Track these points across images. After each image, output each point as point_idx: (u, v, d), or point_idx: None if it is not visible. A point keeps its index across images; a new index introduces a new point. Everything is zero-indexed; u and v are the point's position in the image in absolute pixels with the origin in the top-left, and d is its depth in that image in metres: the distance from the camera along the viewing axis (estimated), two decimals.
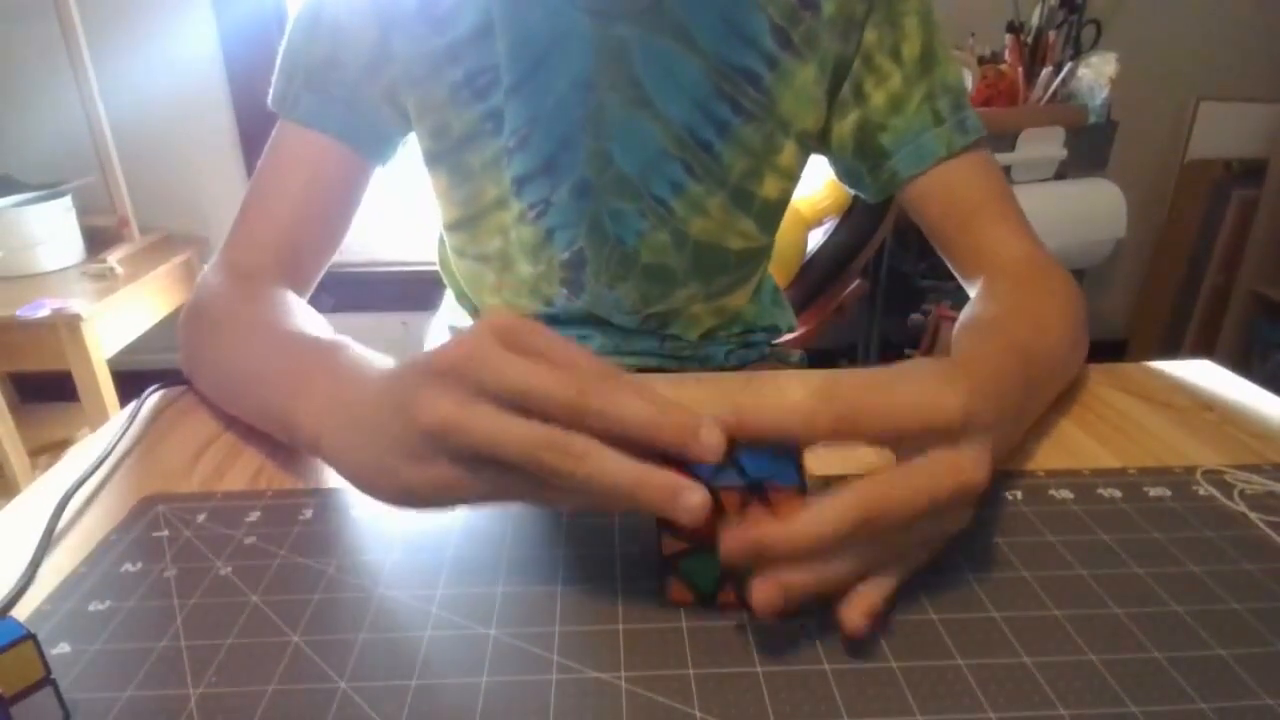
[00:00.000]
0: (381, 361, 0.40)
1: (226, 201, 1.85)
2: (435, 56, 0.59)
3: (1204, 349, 1.98)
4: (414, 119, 0.63)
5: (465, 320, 0.78)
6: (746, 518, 0.31)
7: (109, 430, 0.49)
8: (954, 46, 1.57)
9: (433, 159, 0.65)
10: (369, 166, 0.63)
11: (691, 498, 0.29)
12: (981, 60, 1.63)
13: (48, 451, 1.58)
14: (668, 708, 0.29)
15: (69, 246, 1.60)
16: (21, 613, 0.35)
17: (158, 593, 0.36)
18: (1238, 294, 1.92)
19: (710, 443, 0.30)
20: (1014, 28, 1.64)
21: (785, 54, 0.60)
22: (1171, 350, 2.05)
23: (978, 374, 0.38)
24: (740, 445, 0.31)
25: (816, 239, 1.62)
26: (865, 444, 0.33)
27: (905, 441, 0.33)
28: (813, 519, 0.30)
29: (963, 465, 0.33)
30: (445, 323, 0.82)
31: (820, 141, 0.66)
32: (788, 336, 0.85)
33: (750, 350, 0.77)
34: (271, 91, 0.61)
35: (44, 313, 1.35)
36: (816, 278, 1.62)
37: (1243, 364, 1.93)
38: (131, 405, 0.52)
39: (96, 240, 1.64)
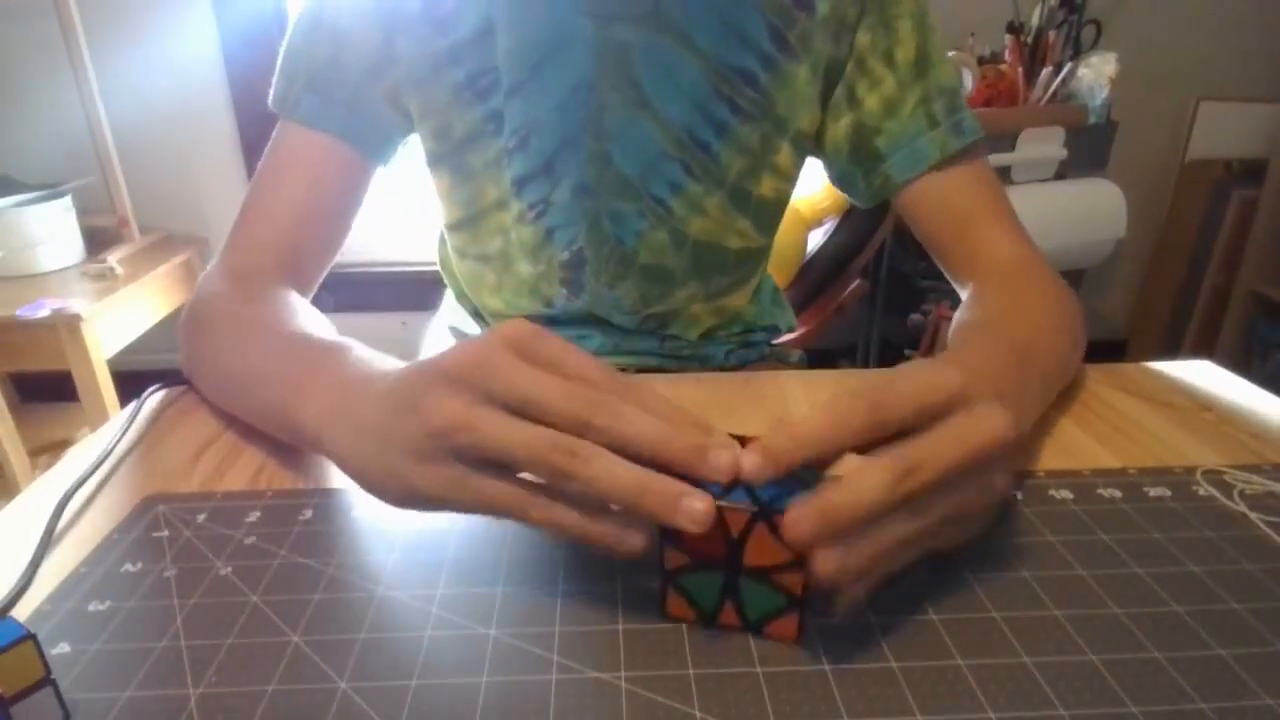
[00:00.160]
0: (390, 362, 0.40)
1: (226, 202, 1.85)
2: (438, 58, 0.59)
3: (1204, 349, 1.98)
4: (416, 120, 0.63)
5: (465, 320, 0.78)
6: (752, 537, 0.31)
7: (109, 430, 0.49)
8: (954, 47, 1.58)
9: (435, 160, 0.65)
10: (370, 167, 0.63)
11: (695, 504, 0.29)
12: (981, 60, 1.63)
13: (48, 451, 1.58)
14: (668, 708, 0.29)
15: (69, 246, 1.61)
16: (21, 613, 0.35)
17: (158, 593, 0.36)
18: (1238, 294, 1.92)
19: (719, 464, 0.29)
20: (1014, 28, 1.64)
21: (781, 54, 0.60)
22: (1171, 350, 2.05)
23: (967, 363, 0.38)
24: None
25: (816, 239, 1.62)
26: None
27: (918, 426, 0.32)
28: (855, 484, 0.29)
29: (979, 418, 0.32)
30: (445, 323, 0.82)
31: (816, 144, 0.66)
32: (787, 336, 0.85)
33: (750, 350, 0.77)
34: (272, 93, 0.61)
35: (44, 313, 1.35)
36: (816, 278, 1.62)
37: (1243, 364, 1.93)
38: (131, 405, 0.52)
39: (96, 240, 1.64)
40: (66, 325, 1.34)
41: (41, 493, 0.44)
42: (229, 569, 0.37)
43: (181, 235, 1.82)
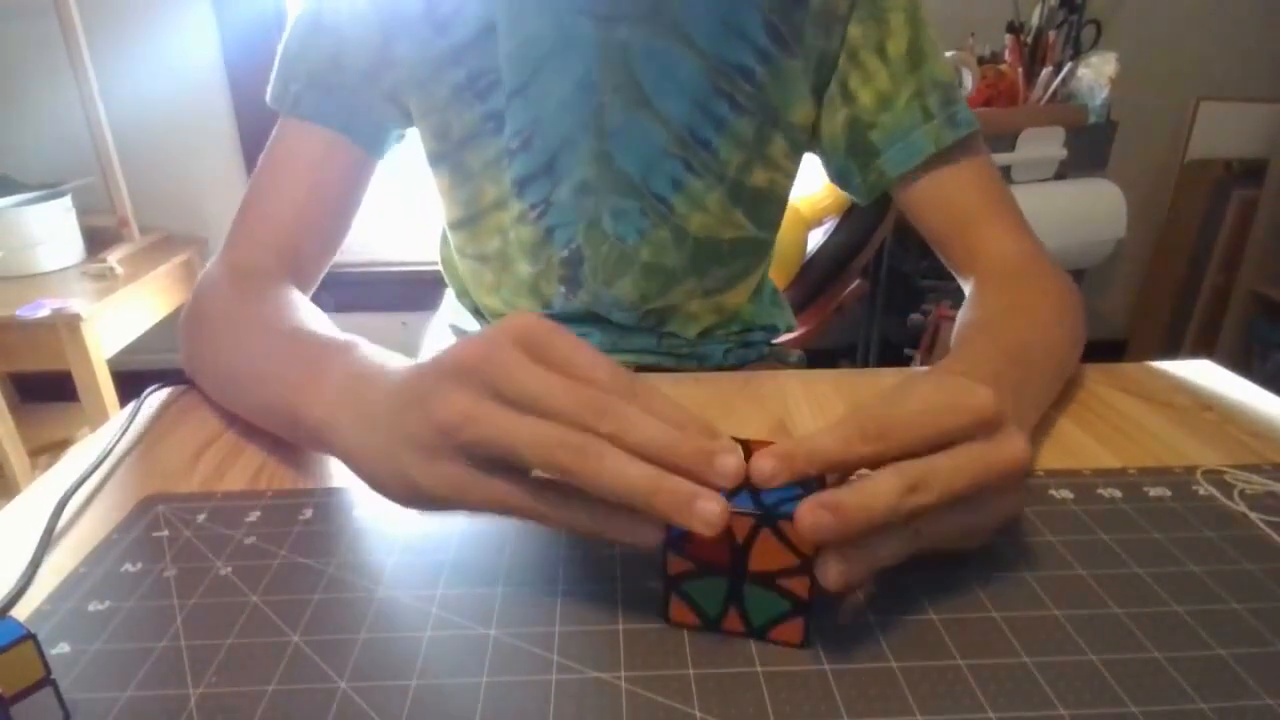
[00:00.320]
0: (397, 359, 0.40)
1: (226, 202, 1.85)
2: (438, 59, 0.59)
3: (1204, 349, 1.98)
4: (416, 119, 0.63)
5: (466, 319, 0.78)
6: (757, 542, 0.30)
7: (109, 430, 0.49)
8: (954, 47, 1.58)
9: (435, 159, 0.65)
10: (371, 161, 0.63)
11: (710, 505, 0.28)
12: (981, 60, 1.63)
13: (48, 451, 1.58)
14: (668, 708, 0.29)
15: (69, 246, 1.61)
16: (21, 613, 0.35)
17: (158, 593, 0.36)
18: (1238, 294, 1.93)
19: (726, 469, 0.29)
20: (1014, 28, 1.64)
21: (776, 48, 0.60)
22: (1171, 350, 2.06)
23: (969, 368, 0.38)
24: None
25: (816, 239, 1.62)
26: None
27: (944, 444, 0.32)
28: (867, 488, 0.29)
29: (1000, 445, 0.32)
30: (445, 322, 0.82)
31: (813, 139, 0.66)
32: (787, 336, 0.85)
33: (749, 349, 0.77)
34: (270, 90, 0.61)
35: (44, 313, 1.35)
36: (816, 278, 1.62)
37: (1243, 364, 1.93)
38: (131, 405, 0.51)
39: (96, 240, 1.64)
40: (66, 325, 1.35)
41: (41, 493, 0.44)
42: (229, 569, 0.37)
43: (181, 235, 1.82)
